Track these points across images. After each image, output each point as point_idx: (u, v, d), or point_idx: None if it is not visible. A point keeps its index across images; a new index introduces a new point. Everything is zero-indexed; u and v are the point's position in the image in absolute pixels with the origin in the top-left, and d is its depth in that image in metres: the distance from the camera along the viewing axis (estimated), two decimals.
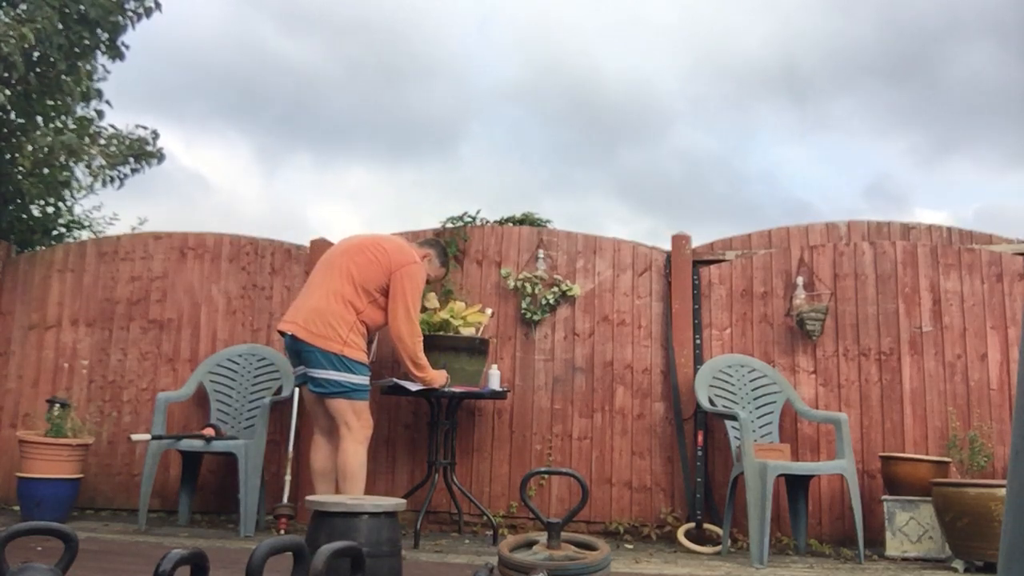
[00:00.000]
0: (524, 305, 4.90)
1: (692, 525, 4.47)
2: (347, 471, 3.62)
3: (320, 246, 5.13)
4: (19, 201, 6.19)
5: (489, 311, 4.71)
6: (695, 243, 5.04)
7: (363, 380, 3.71)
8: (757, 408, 4.54)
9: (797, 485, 4.35)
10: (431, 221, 5.22)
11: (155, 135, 6.42)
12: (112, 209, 8.05)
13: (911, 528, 4.12)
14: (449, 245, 5.02)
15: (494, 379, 4.56)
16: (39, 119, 5.90)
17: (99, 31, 5.65)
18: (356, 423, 3.64)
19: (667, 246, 5.04)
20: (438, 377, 3.94)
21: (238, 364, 4.91)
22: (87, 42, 5.61)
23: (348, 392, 3.65)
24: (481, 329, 4.56)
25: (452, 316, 4.44)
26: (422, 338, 3.87)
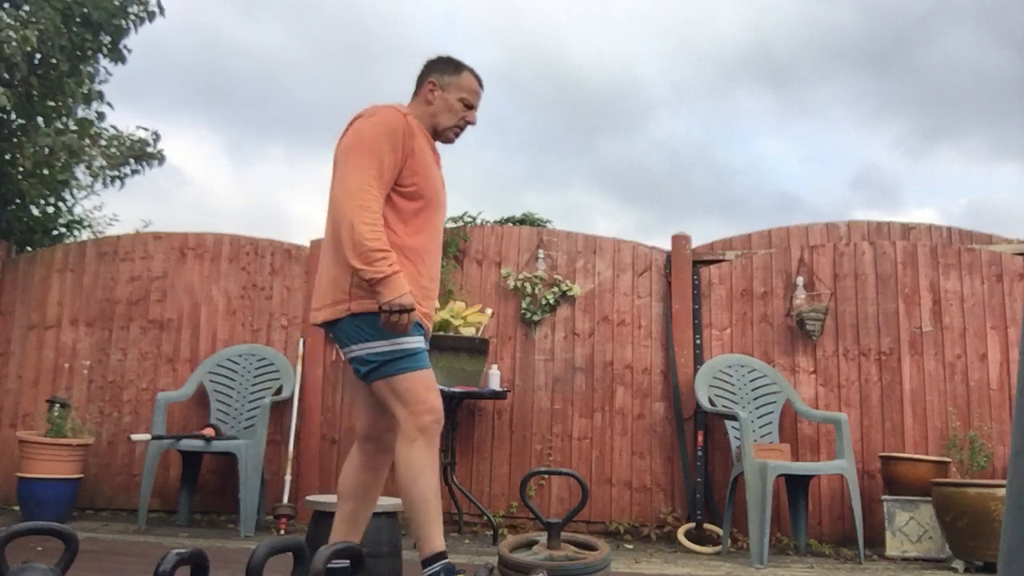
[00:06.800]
0: (524, 305, 4.90)
1: (692, 525, 4.48)
2: (400, 485, 2.28)
3: (320, 246, 5.13)
4: (19, 201, 6.18)
5: (489, 311, 4.71)
6: (690, 241, 5.05)
7: (395, 342, 2.30)
8: (757, 408, 4.54)
9: (797, 485, 4.35)
10: None
11: (156, 136, 6.43)
12: (100, 205, 8.00)
13: (911, 528, 4.12)
14: (449, 245, 5.02)
15: (494, 379, 4.57)
16: (40, 120, 5.90)
17: (102, 34, 5.65)
18: (402, 411, 2.29)
19: (660, 242, 5.06)
20: (394, 290, 2.22)
21: (238, 364, 4.91)
22: (89, 45, 5.61)
23: (381, 366, 2.30)
24: (481, 329, 4.56)
25: (452, 316, 4.44)
26: (373, 210, 2.28)
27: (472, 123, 2.58)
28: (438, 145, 2.57)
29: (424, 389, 2.31)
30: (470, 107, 2.56)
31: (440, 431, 2.33)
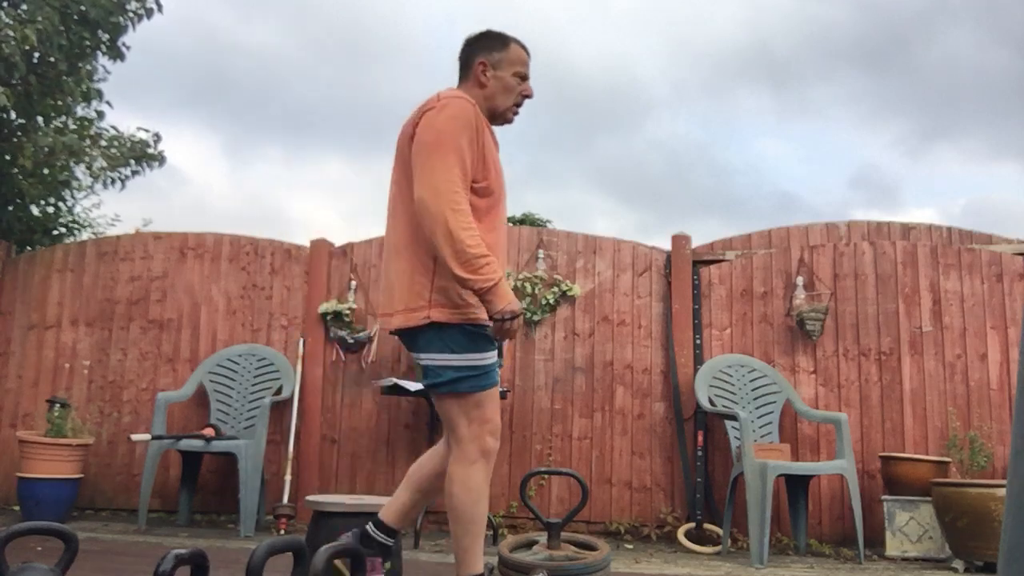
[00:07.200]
0: (524, 305, 4.90)
1: (692, 525, 4.48)
2: (450, 505, 2.25)
3: (320, 246, 5.13)
4: (19, 201, 6.19)
5: None
6: (690, 241, 5.05)
7: (471, 358, 2.21)
8: (757, 408, 4.54)
9: (797, 485, 4.35)
10: None
11: (157, 138, 6.43)
12: (99, 203, 7.98)
13: (911, 528, 4.12)
14: None
15: None
16: (39, 119, 5.90)
17: (100, 32, 5.65)
18: (466, 430, 2.22)
19: (660, 242, 5.06)
20: (503, 296, 2.10)
21: (238, 364, 4.91)
22: (88, 43, 5.61)
23: (451, 383, 2.20)
24: None
25: None
26: (467, 212, 2.13)
27: (530, 96, 2.41)
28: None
29: (492, 409, 2.24)
30: (525, 79, 2.39)
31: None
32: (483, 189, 2.23)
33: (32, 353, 5.22)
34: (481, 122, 2.23)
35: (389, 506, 2.35)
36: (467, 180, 2.17)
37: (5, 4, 5.27)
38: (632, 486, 4.72)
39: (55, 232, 6.85)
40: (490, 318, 2.09)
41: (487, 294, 2.07)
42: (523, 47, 2.39)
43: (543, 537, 2.75)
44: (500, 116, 2.37)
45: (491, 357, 2.22)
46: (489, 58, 2.33)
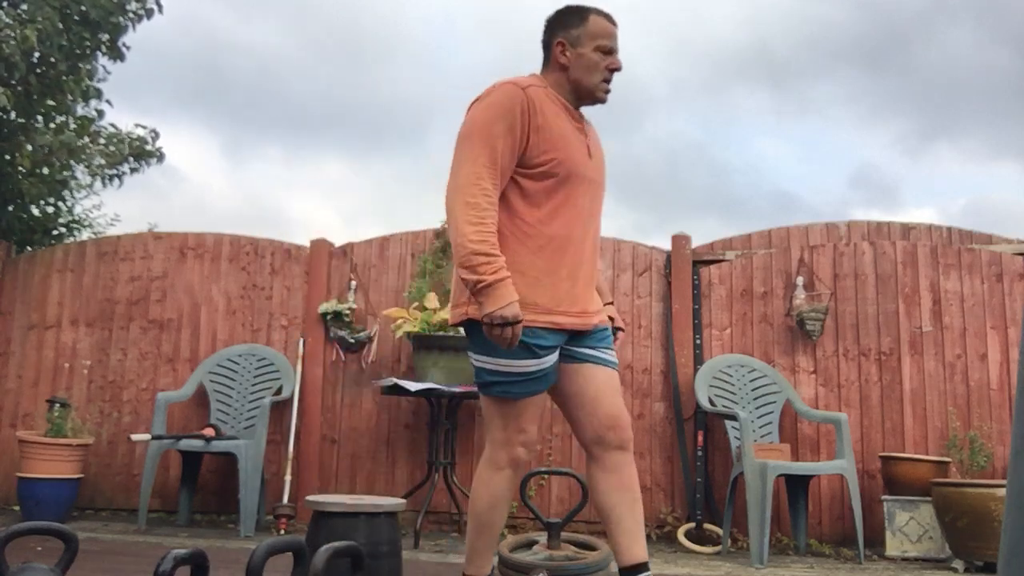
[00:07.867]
0: None
1: (692, 525, 4.48)
2: (471, 503, 2.27)
3: (320, 246, 5.13)
4: (19, 201, 6.19)
5: None
6: (690, 241, 5.05)
7: (506, 364, 2.10)
8: (757, 408, 4.54)
9: (797, 485, 4.35)
10: (414, 218, 5.18)
11: (155, 134, 6.43)
12: (99, 204, 7.99)
13: (911, 528, 4.12)
14: (449, 246, 5.00)
15: None
16: (39, 119, 5.90)
17: (100, 32, 5.65)
18: (500, 434, 2.19)
19: (660, 243, 5.05)
20: (497, 301, 1.96)
21: (238, 364, 4.91)
22: (88, 43, 5.61)
23: (486, 386, 2.18)
24: None
25: None
26: (482, 207, 2.02)
27: (618, 69, 2.25)
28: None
29: (528, 419, 2.17)
30: (610, 52, 2.23)
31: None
32: (541, 172, 2.11)
33: (32, 353, 5.22)
34: (533, 103, 2.11)
35: (616, 553, 2.26)
36: (500, 169, 2.06)
37: (5, 4, 5.27)
38: None
39: (55, 232, 6.85)
40: (481, 320, 1.99)
41: (479, 295, 1.97)
42: (605, 17, 2.26)
43: (543, 537, 2.75)
44: (588, 95, 2.25)
45: (534, 365, 2.09)
46: (567, 36, 2.23)
